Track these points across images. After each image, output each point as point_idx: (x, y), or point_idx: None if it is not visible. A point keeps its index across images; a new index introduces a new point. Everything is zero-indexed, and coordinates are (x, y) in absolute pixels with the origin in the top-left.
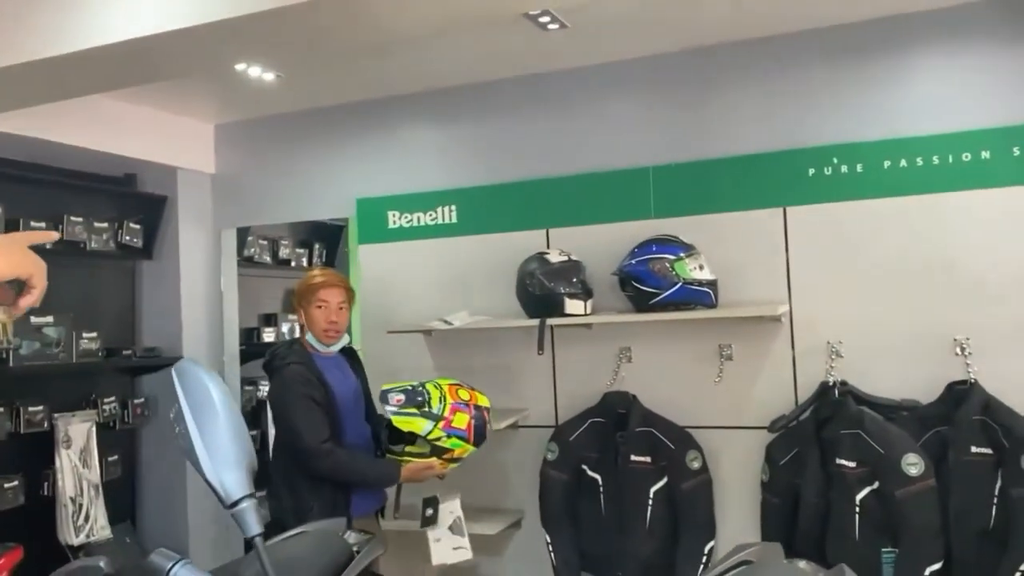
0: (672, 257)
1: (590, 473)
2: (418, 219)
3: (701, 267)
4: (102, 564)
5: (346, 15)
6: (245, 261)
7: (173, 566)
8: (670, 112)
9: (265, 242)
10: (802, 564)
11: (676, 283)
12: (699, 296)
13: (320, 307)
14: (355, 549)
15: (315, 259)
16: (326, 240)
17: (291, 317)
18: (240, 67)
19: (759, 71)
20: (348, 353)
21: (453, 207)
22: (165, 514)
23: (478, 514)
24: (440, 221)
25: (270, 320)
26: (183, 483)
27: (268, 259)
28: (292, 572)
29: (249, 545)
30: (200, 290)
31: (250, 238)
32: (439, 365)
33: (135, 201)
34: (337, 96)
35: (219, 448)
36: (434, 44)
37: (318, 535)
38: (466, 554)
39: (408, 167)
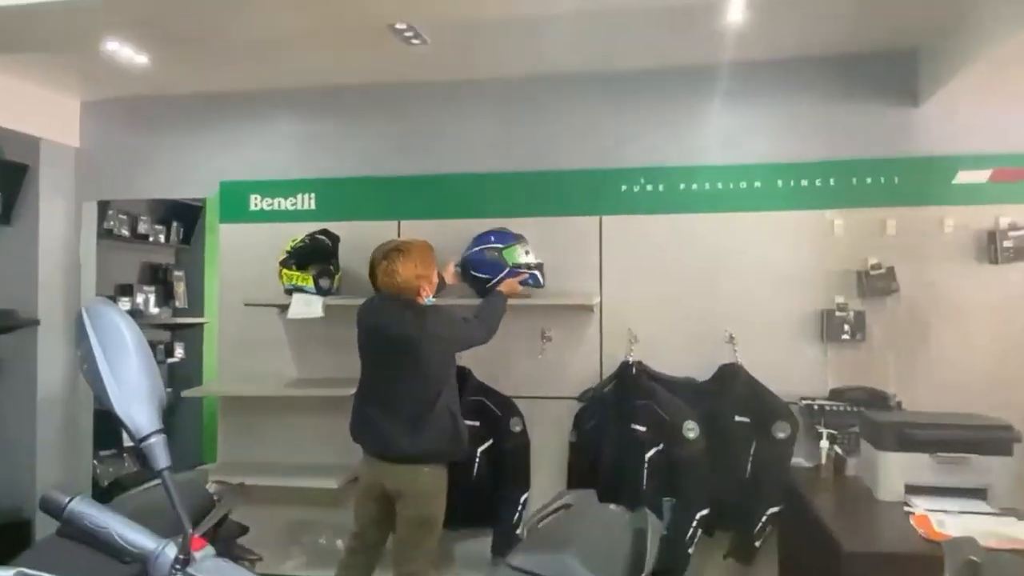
0: (502, 246)
1: None
2: (279, 203)
3: (527, 252)
4: None
5: (216, 9)
6: (105, 233)
7: (70, 500)
8: (510, 128)
9: (125, 217)
10: (612, 507)
11: (505, 267)
12: (525, 278)
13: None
14: (216, 498)
15: (172, 236)
16: (183, 218)
17: (146, 288)
18: (112, 47)
19: (586, 101)
20: None
21: (312, 195)
22: (11, 478)
23: (320, 469)
24: (300, 207)
25: (126, 291)
26: (32, 447)
27: (127, 233)
28: (155, 518)
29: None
30: (58, 258)
31: (110, 211)
32: (292, 339)
33: None
34: (206, 84)
35: (129, 383)
36: (302, 45)
37: (182, 484)
38: (316, 312)
39: (271, 156)
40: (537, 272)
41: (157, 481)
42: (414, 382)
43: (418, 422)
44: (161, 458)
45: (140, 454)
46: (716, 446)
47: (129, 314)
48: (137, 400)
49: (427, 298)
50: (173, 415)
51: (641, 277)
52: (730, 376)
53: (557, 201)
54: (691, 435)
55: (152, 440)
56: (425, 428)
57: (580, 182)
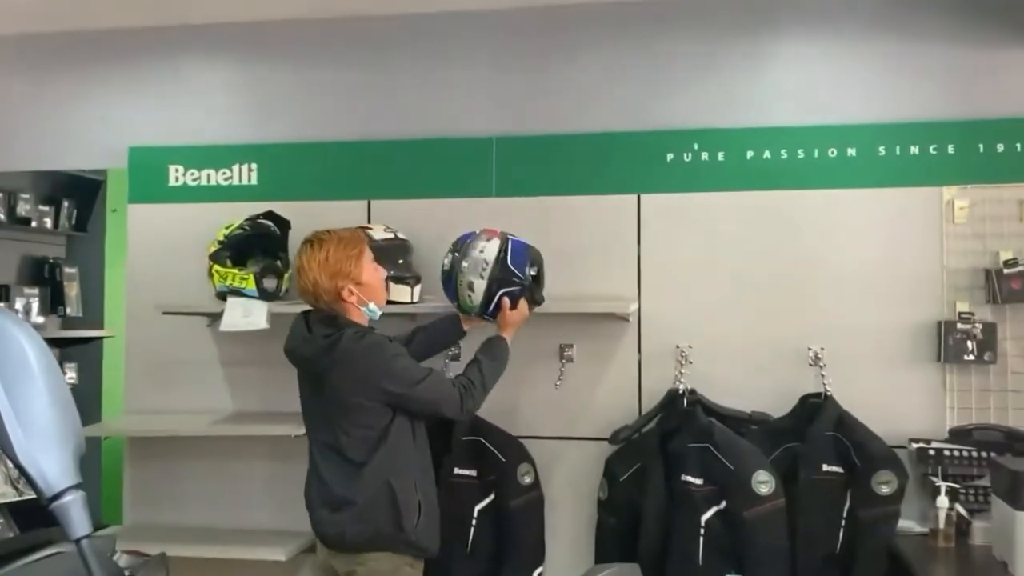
0: (454, 302)
1: None
2: (208, 177)
3: (471, 286)
4: None
5: None
6: None
7: None
8: (521, 77)
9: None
10: None
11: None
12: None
13: (378, 270)
14: (127, 574)
15: (63, 221)
16: (78, 197)
17: (27, 291)
18: None
19: (622, 40)
20: None
21: (253, 166)
22: None
23: (264, 536)
24: (236, 182)
25: (1, 293)
26: None
27: (2, 216)
28: None
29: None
30: None
31: None
32: (225, 359)
33: None
34: (111, 18)
35: (36, 423)
36: None
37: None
38: (259, 323)
39: (198, 113)
40: (497, 293)
41: (50, 551)
42: (328, 431)
43: (337, 491)
44: (79, 523)
45: (21, 513)
46: (797, 504)
47: None
48: (47, 445)
49: (366, 308)
50: None
51: (693, 276)
52: (816, 411)
53: (580, 174)
54: (764, 490)
55: (67, 499)
56: (346, 502)
57: (611, 149)
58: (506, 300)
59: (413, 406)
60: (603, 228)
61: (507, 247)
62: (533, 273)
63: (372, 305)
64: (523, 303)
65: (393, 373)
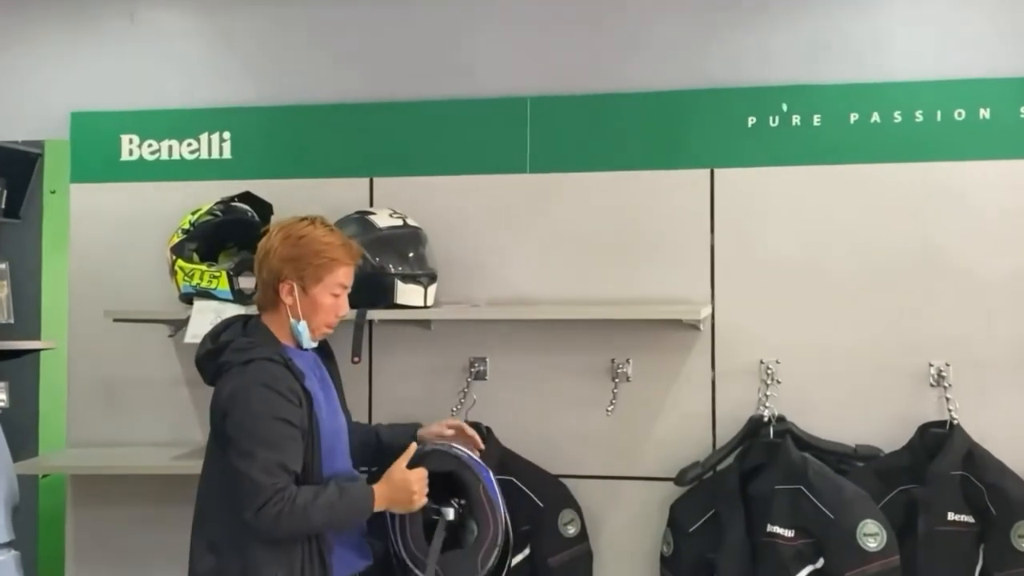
0: None
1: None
2: (170, 149)
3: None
4: None
5: None
6: None
7: None
8: (562, 25)
9: None
10: None
11: None
12: None
13: (337, 295)
14: None
15: None
16: (9, 175)
17: None
18: None
19: None
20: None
21: (226, 135)
22: None
23: None
24: (205, 155)
25: None
26: None
27: None
28: None
29: None
30: None
31: None
32: (193, 376)
33: None
34: None
35: None
36: None
37: None
38: None
39: (157, 70)
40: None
41: None
42: (213, 458)
43: (194, 529)
44: None
45: None
46: (915, 563)
47: None
48: None
49: (296, 325)
50: None
51: (781, 273)
52: (939, 444)
53: (636, 144)
54: (872, 544)
55: None
56: (194, 543)
57: (676, 112)
58: (412, 446)
59: (230, 460)
60: (667, 212)
61: (472, 454)
62: (448, 507)
63: (303, 325)
64: (419, 476)
65: (247, 410)
